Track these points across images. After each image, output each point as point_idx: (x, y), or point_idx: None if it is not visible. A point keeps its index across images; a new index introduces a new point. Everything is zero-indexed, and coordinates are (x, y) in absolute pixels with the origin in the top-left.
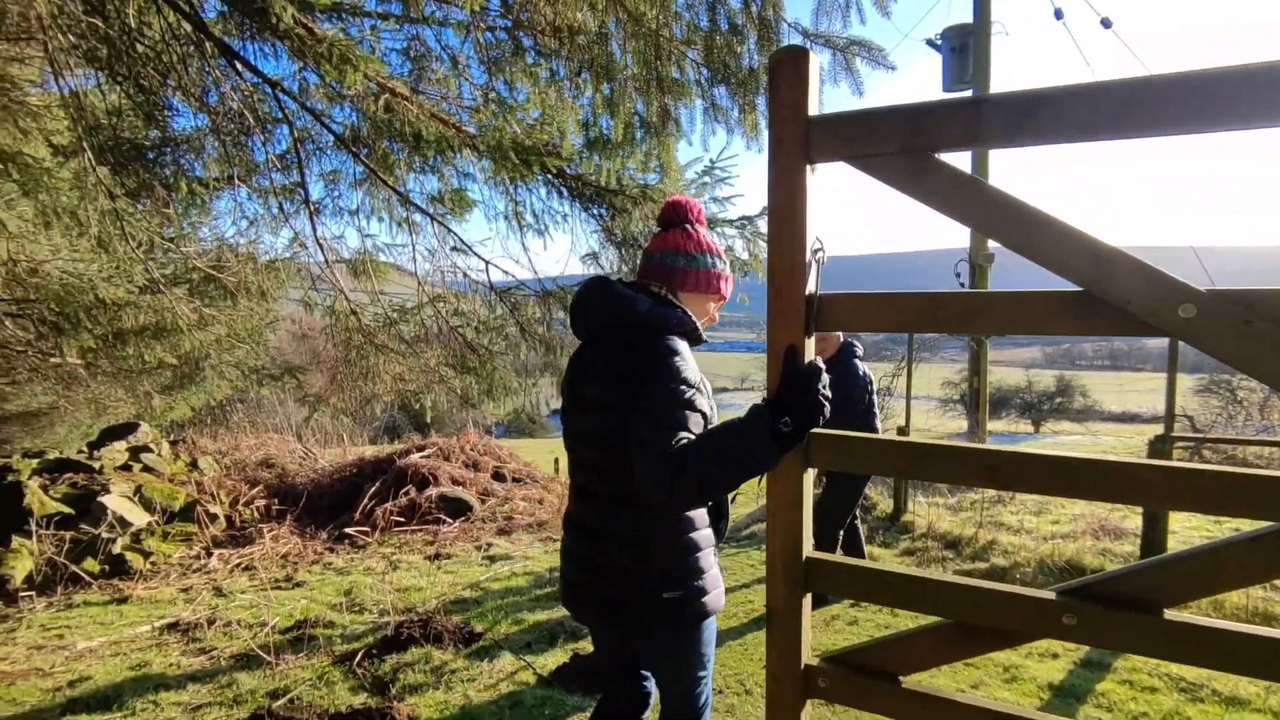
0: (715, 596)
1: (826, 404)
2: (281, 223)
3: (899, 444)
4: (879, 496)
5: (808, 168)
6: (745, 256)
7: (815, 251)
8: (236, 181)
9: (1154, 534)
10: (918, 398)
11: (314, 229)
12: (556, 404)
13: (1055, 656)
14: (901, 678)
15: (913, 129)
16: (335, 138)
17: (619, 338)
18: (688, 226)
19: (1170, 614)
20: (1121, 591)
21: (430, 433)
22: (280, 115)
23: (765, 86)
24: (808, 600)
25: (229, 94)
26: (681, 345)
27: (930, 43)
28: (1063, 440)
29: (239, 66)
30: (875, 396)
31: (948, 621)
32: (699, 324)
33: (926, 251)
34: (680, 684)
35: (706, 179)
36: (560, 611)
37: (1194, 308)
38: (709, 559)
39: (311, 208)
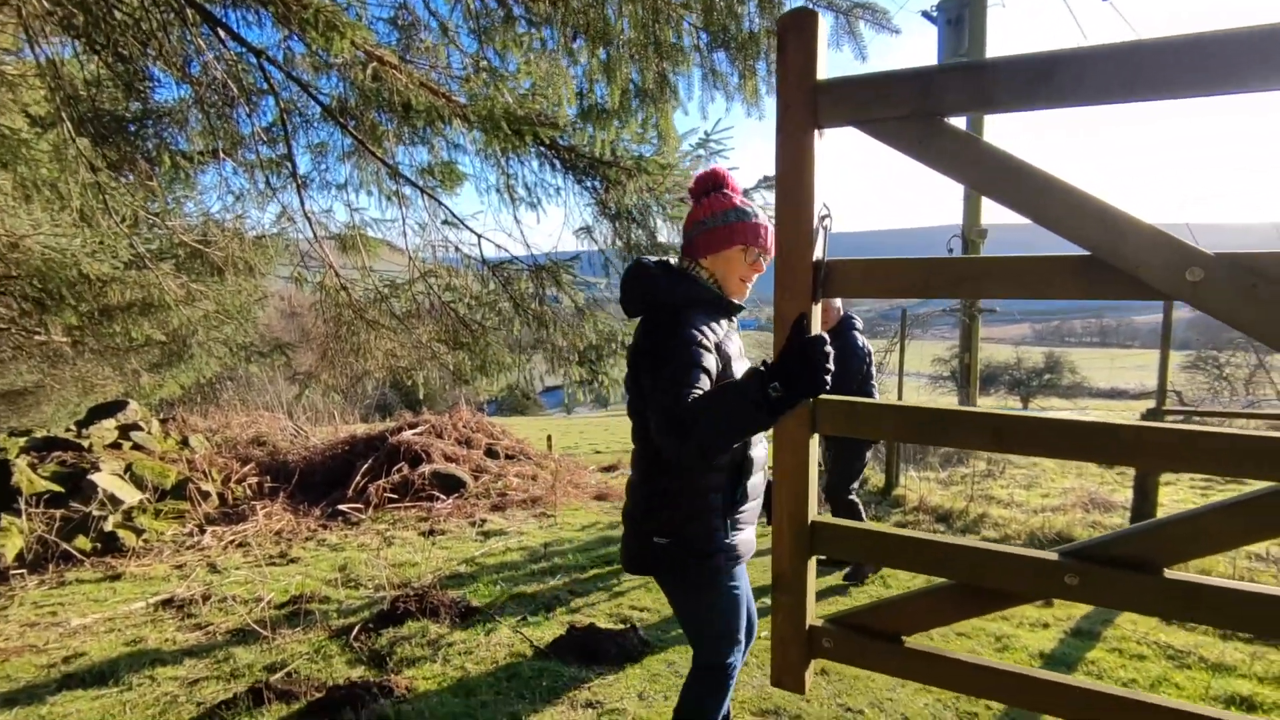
0: (706, 548)
1: (826, 374)
2: (269, 197)
3: (906, 409)
4: (870, 470)
5: (816, 133)
6: None
7: (823, 218)
8: (222, 155)
9: (1144, 506)
10: (909, 374)
11: (302, 203)
12: (551, 381)
13: (1046, 626)
14: (904, 638)
15: (923, 92)
16: (323, 109)
17: (647, 317)
18: (704, 199)
19: (1170, 573)
20: (1121, 552)
21: (422, 410)
22: (266, 86)
23: (767, 51)
24: (813, 564)
25: (212, 63)
26: (693, 316)
27: (926, 14)
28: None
29: (222, 34)
30: (874, 369)
31: (950, 583)
32: (730, 286)
33: (922, 229)
34: (688, 628)
35: (701, 151)
36: (557, 584)
37: (1201, 271)
38: (709, 514)
39: (299, 181)
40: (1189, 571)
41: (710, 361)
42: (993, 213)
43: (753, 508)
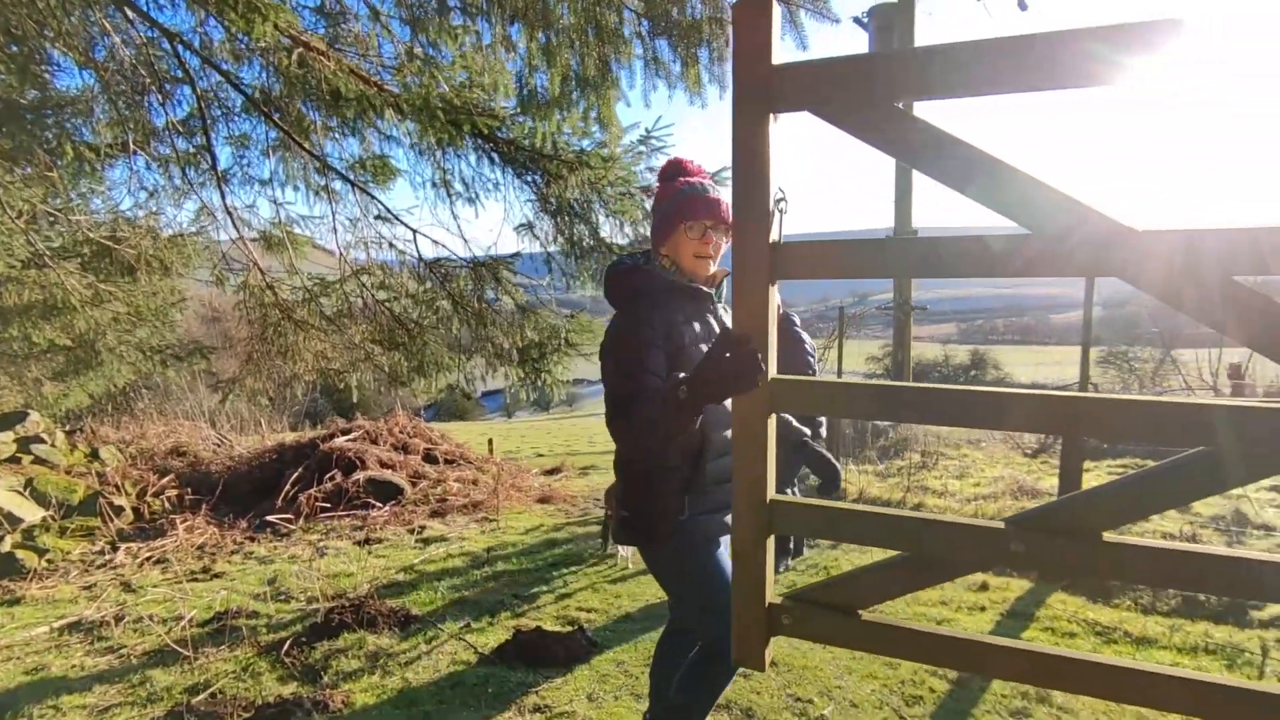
0: (664, 527)
1: (739, 380)
2: (186, 193)
3: (864, 385)
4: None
5: (771, 116)
6: None
7: (778, 201)
8: (133, 148)
9: (1069, 491)
10: (845, 372)
11: (223, 198)
12: (493, 382)
13: (983, 609)
14: (861, 611)
15: (883, 77)
16: (245, 99)
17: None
18: (658, 187)
19: (1109, 536)
20: (1062, 520)
21: (356, 416)
22: (181, 73)
23: (709, 38)
24: (771, 542)
25: (120, 47)
26: (640, 310)
27: (858, 20)
28: None
29: (130, 15)
30: (817, 365)
31: (904, 555)
32: (686, 266)
33: (850, 231)
34: (666, 593)
35: (643, 148)
36: (501, 589)
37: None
38: (665, 493)
39: (219, 176)
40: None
41: (651, 355)
42: (923, 216)
43: (723, 491)
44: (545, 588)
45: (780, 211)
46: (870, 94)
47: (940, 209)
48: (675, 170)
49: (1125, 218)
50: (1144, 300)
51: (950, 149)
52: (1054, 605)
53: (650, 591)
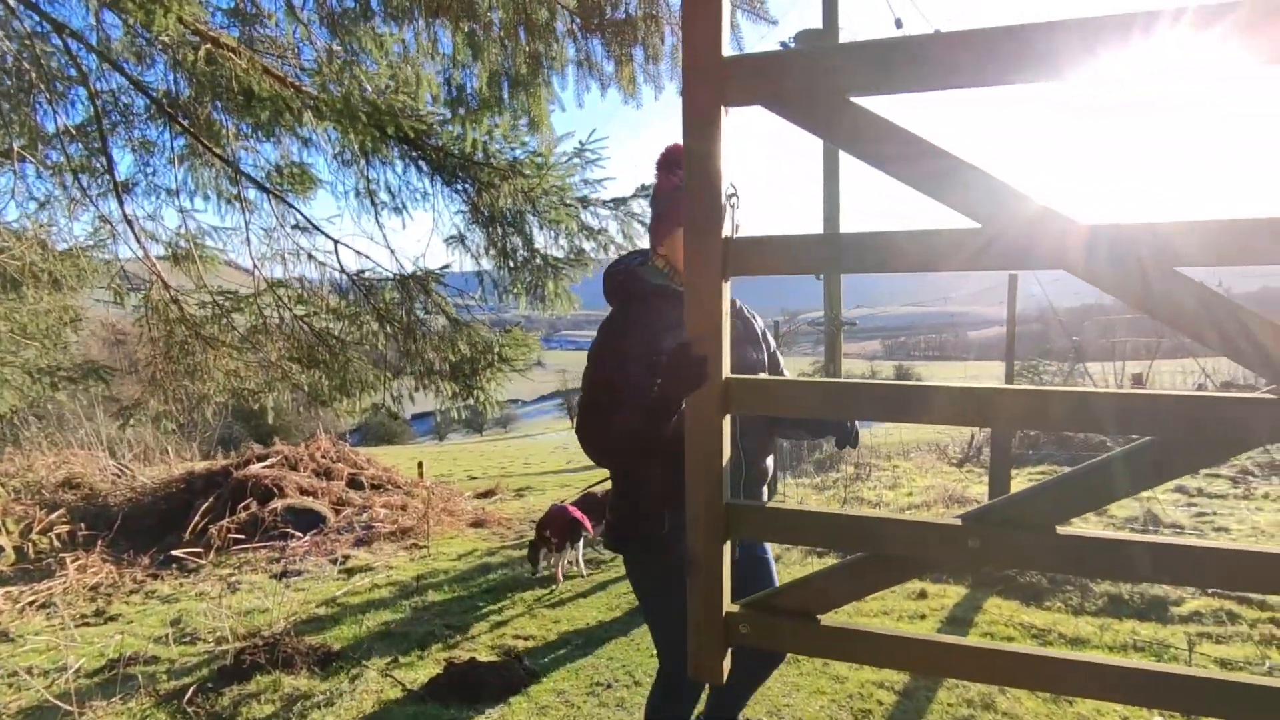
0: (635, 529)
1: (684, 370)
2: (82, 204)
3: (823, 383)
4: None
5: (723, 109)
6: (620, 239)
7: (729, 196)
8: (18, 154)
9: (999, 495)
10: None
11: (122, 207)
12: (425, 405)
13: (923, 618)
14: (819, 616)
15: (837, 70)
16: (150, 100)
17: None
18: (657, 178)
19: (1061, 530)
20: (1016, 514)
21: (274, 442)
22: (75, 73)
23: (644, 36)
24: (728, 548)
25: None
26: (622, 318)
27: (784, 45)
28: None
29: (12, 2)
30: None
31: (861, 556)
32: (681, 271)
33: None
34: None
35: (577, 160)
36: (432, 619)
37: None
38: (643, 502)
39: (118, 185)
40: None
41: (627, 364)
42: (852, 223)
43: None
44: (479, 616)
45: (732, 207)
46: (826, 87)
47: (869, 194)
48: (676, 159)
49: (1074, 212)
50: (1056, 316)
51: (911, 146)
52: (990, 610)
53: (590, 615)
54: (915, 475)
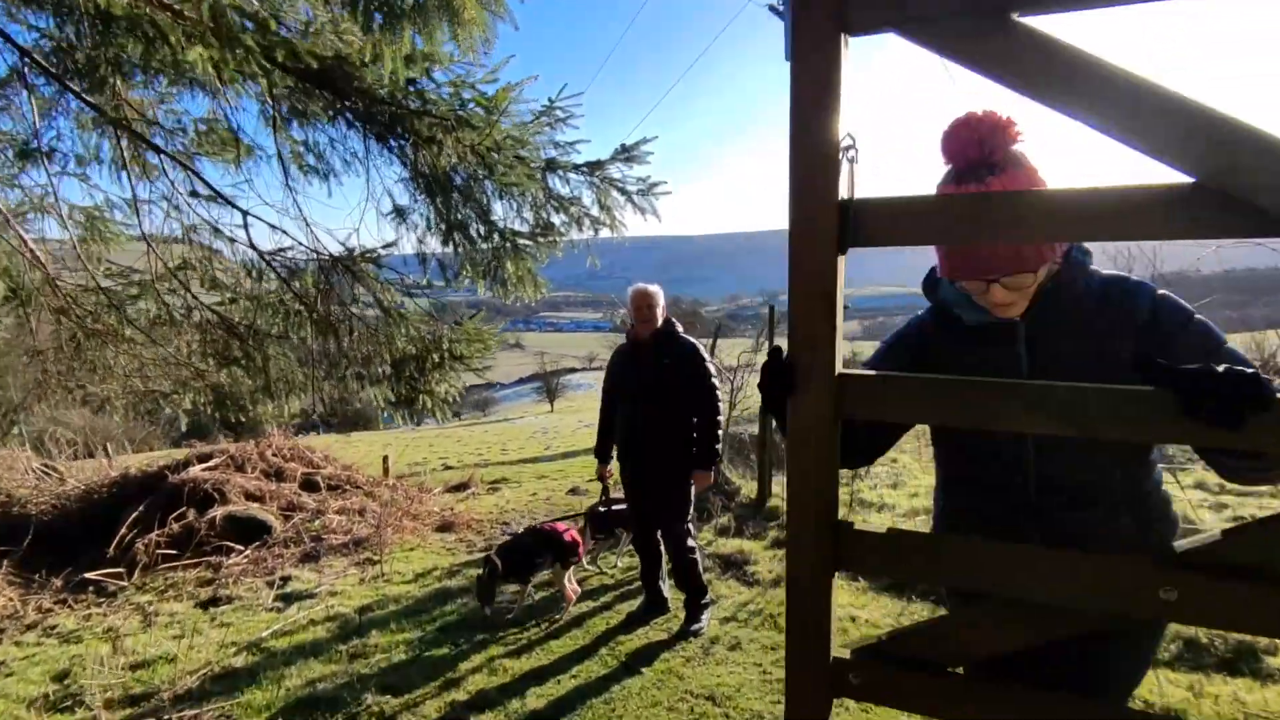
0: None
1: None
2: None
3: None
4: (742, 480)
5: (843, 38)
6: (595, 212)
7: (847, 149)
8: None
9: None
10: None
11: None
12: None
13: None
14: (956, 669)
15: None
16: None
17: None
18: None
19: None
20: (1230, 559)
21: (243, 433)
22: None
23: None
24: (837, 579)
25: None
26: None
27: (772, 8)
28: None
29: None
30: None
31: (1001, 600)
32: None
33: (776, 231)
34: None
35: (545, 119)
36: (369, 674)
37: None
38: None
39: None
40: None
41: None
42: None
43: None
44: (427, 670)
45: (851, 162)
46: (984, 3)
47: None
48: (989, 156)
49: None
50: None
51: (1078, 68)
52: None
53: (563, 669)
54: (917, 473)
